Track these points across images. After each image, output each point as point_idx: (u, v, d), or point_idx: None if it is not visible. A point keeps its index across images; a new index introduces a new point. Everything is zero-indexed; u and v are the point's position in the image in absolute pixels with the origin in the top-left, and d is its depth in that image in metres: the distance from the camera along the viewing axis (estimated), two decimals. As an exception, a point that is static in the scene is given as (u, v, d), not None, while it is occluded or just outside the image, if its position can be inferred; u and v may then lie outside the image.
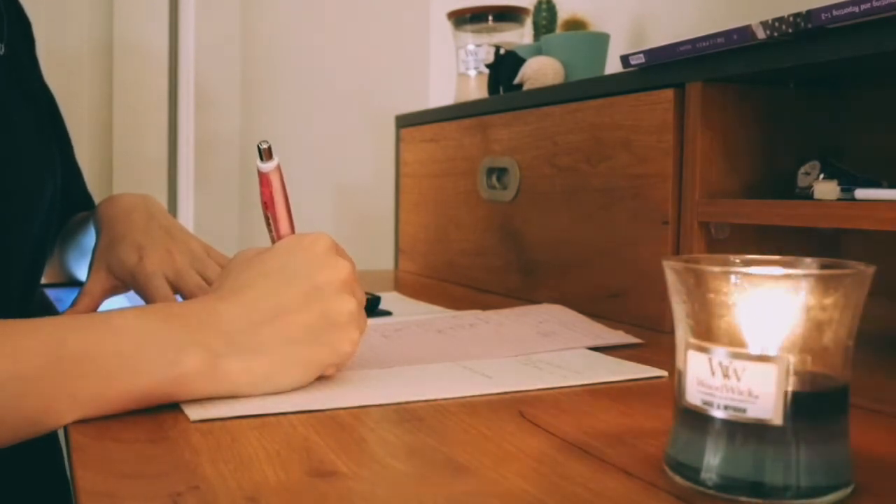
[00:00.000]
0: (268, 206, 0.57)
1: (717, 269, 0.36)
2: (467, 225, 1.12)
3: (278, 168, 0.57)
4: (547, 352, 0.65)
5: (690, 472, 0.37)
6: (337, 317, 0.52)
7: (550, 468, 0.40)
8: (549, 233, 0.95)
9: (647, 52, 0.77)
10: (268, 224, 0.58)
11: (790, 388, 0.34)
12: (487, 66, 1.14)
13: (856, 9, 0.58)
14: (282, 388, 0.51)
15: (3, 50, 0.76)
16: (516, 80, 1.05)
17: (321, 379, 0.54)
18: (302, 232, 0.56)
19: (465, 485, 0.37)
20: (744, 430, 0.35)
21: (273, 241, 0.57)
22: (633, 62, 0.79)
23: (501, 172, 1.04)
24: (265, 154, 0.56)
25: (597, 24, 1.16)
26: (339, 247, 0.56)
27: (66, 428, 0.45)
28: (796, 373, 0.35)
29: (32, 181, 0.74)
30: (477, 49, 1.27)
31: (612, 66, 0.99)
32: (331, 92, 1.69)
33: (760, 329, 0.35)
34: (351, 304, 0.53)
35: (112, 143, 1.55)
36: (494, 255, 1.06)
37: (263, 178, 0.57)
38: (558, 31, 1.17)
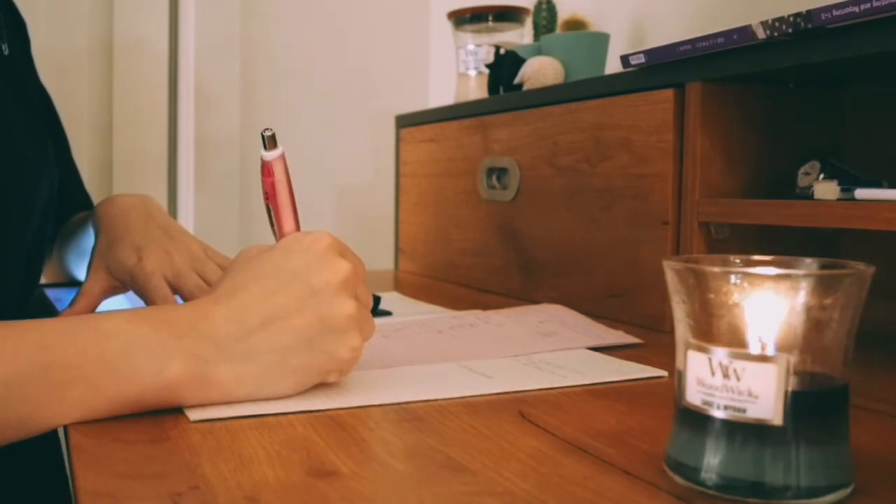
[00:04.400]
0: (269, 196, 0.55)
1: (717, 269, 0.36)
2: (467, 225, 1.12)
3: (282, 157, 0.55)
4: (547, 352, 0.65)
5: (690, 472, 0.37)
6: (334, 322, 0.50)
7: (550, 468, 0.40)
8: (549, 233, 0.95)
9: (647, 52, 0.77)
10: (270, 217, 0.56)
11: (790, 388, 0.34)
12: (487, 66, 1.14)
13: (856, 9, 0.58)
14: (276, 395, 0.49)
15: (6, 50, 0.76)
16: (516, 80, 1.05)
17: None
18: (305, 230, 0.54)
19: (465, 485, 0.37)
20: (744, 430, 0.35)
21: (276, 237, 0.55)
22: (633, 62, 0.79)
23: (501, 172, 1.04)
24: (269, 142, 0.54)
25: (597, 24, 1.16)
26: (342, 246, 0.53)
27: (66, 428, 0.45)
28: (796, 373, 0.35)
29: (27, 181, 0.74)
30: (477, 49, 1.27)
31: (612, 66, 0.99)
32: (331, 92, 1.69)
33: (760, 329, 0.35)
34: (349, 308, 0.50)
35: (112, 143, 1.55)
36: (494, 255, 1.06)
37: (266, 166, 0.55)
38: (558, 31, 1.17)
